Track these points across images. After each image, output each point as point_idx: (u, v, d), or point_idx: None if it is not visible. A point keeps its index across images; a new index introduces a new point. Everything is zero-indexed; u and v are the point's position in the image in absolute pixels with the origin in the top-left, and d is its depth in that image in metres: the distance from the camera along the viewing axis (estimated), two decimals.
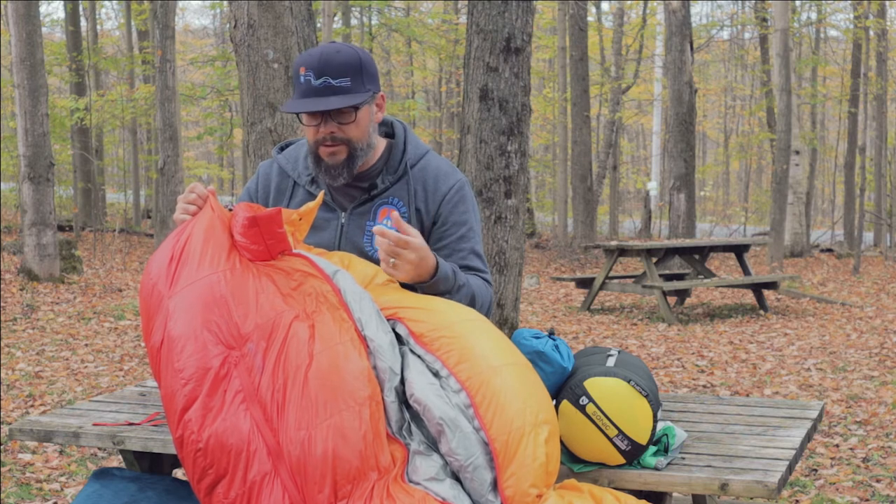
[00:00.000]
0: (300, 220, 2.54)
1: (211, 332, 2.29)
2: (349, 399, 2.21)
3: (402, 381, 2.36)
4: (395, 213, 2.44)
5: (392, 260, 2.43)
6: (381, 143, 2.69)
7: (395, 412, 2.28)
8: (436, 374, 2.31)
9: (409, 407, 2.32)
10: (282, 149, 2.82)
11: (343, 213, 2.66)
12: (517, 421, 2.22)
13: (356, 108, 2.54)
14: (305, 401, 2.20)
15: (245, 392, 2.25)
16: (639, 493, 2.47)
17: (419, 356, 2.35)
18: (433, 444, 2.27)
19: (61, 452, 4.88)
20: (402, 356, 2.37)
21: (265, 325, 2.29)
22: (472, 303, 2.59)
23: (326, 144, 2.56)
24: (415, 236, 2.42)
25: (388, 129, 2.74)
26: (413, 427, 2.29)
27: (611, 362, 2.54)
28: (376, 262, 2.59)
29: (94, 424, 2.80)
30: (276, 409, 2.22)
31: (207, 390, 2.25)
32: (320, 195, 2.53)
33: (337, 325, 2.32)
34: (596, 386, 2.42)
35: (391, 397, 2.28)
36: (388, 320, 2.41)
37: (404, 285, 2.56)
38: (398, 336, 2.39)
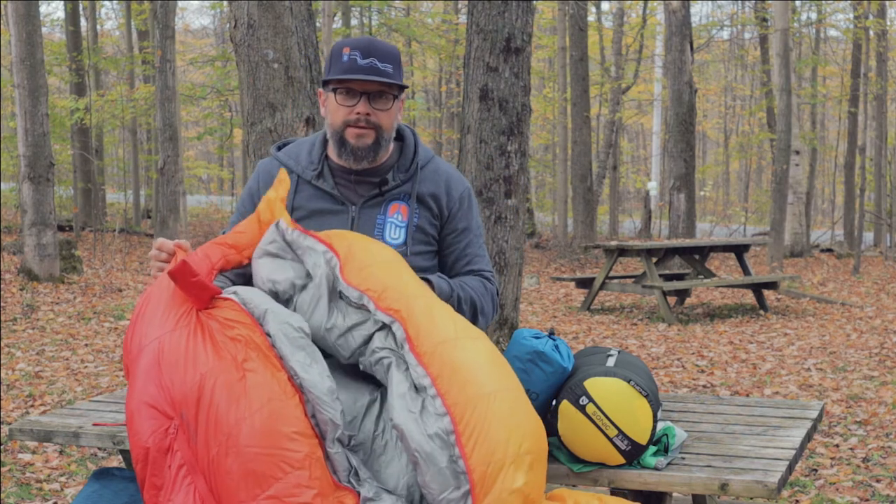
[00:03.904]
0: (281, 200, 2.56)
1: (148, 404, 2.24)
2: (286, 465, 2.13)
3: (381, 403, 2.34)
4: None
5: None
6: (391, 143, 2.75)
7: (341, 462, 2.22)
8: (422, 389, 2.26)
9: (353, 451, 2.28)
10: (279, 147, 2.84)
11: (353, 207, 2.68)
12: (498, 452, 2.16)
13: (395, 95, 2.63)
14: (242, 472, 2.13)
15: (188, 465, 2.20)
16: (639, 493, 2.47)
17: (408, 366, 2.30)
18: (383, 486, 2.23)
19: (61, 452, 4.88)
20: (387, 368, 2.32)
21: (192, 391, 2.21)
22: (473, 307, 2.70)
23: (359, 126, 2.61)
24: None
25: (396, 133, 2.79)
26: (361, 473, 2.24)
27: (611, 362, 2.54)
28: None
29: (94, 424, 2.80)
30: (213, 481, 2.16)
31: (151, 469, 2.22)
32: (282, 173, 2.60)
33: (270, 375, 2.23)
34: (596, 386, 2.42)
35: (335, 448, 2.22)
36: (386, 315, 2.37)
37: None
38: (393, 336, 2.35)
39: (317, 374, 2.26)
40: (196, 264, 2.39)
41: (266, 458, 2.13)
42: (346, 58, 2.58)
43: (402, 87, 2.64)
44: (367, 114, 2.60)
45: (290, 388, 2.23)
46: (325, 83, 2.66)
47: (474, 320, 2.71)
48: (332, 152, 2.71)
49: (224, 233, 2.73)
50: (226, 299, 2.38)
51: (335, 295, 2.44)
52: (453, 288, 2.66)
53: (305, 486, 2.13)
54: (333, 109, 2.64)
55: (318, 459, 2.17)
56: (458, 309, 2.64)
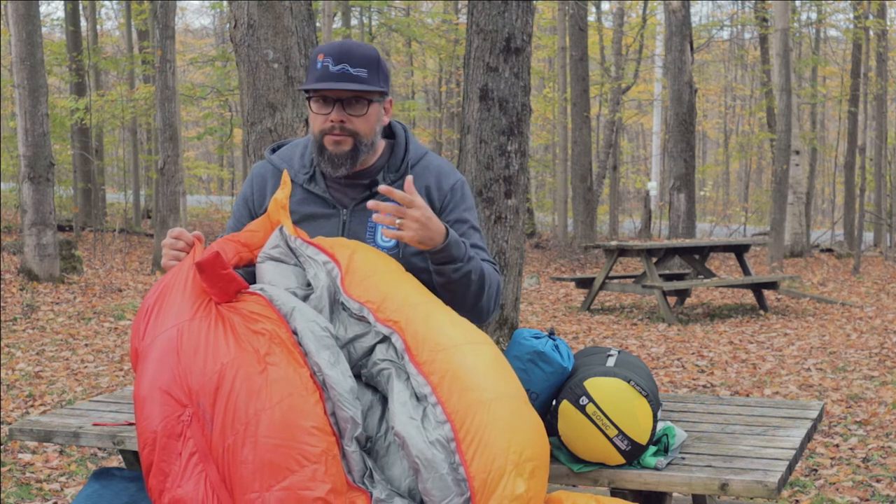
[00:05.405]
0: (283, 208, 2.55)
1: (162, 390, 2.24)
2: (302, 459, 2.13)
3: (384, 403, 2.32)
4: (410, 177, 2.41)
5: (398, 220, 2.39)
6: (381, 143, 2.70)
7: (356, 462, 2.21)
8: (423, 398, 2.25)
9: (370, 453, 2.27)
10: (273, 150, 2.82)
11: (344, 211, 2.64)
12: (499, 460, 2.15)
13: (369, 100, 2.56)
14: (257, 462, 2.13)
15: (200, 452, 2.20)
16: (639, 494, 2.47)
17: (409, 376, 2.28)
18: (397, 490, 2.22)
19: (61, 452, 4.88)
20: (388, 378, 2.31)
21: (211, 380, 2.22)
22: (481, 279, 2.55)
23: (335, 134, 2.56)
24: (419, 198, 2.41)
25: (387, 131, 2.76)
26: (375, 475, 2.23)
27: (611, 362, 2.54)
28: None
29: (94, 424, 2.81)
30: (227, 470, 2.16)
31: (159, 454, 2.22)
32: (286, 176, 2.60)
33: (292, 370, 2.23)
34: (596, 386, 2.42)
35: (352, 447, 2.21)
36: (385, 327, 2.35)
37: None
38: (394, 347, 2.34)
39: (340, 373, 2.26)
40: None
41: (283, 450, 2.14)
42: (319, 65, 2.54)
43: (378, 91, 2.56)
44: (342, 121, 2.55)
45: (312, 384, 2.23)
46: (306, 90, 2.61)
47: (479, 296, 2.56)
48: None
49: (221, 237, 2.71)
50: (252, 293, 2.40)
51: (337, 306, 2.43)
52: (467, 248, 2.53)
53: (320, 481, 2.13)
54: (312, 118, 2.60)
55: (334, 457, 2.17)
56: (466, 277, 2.50)
